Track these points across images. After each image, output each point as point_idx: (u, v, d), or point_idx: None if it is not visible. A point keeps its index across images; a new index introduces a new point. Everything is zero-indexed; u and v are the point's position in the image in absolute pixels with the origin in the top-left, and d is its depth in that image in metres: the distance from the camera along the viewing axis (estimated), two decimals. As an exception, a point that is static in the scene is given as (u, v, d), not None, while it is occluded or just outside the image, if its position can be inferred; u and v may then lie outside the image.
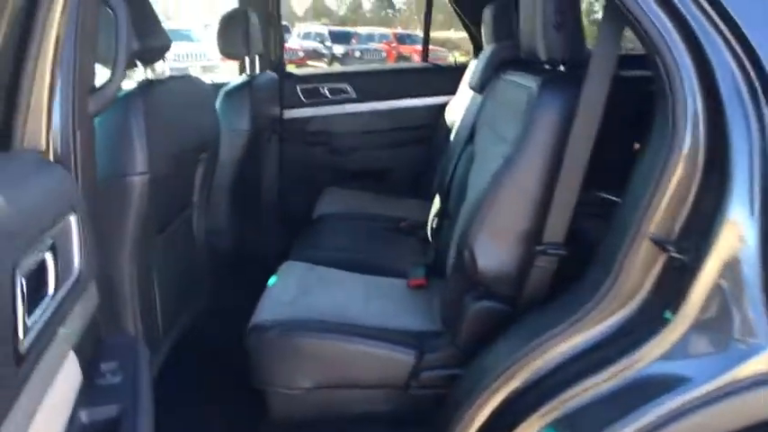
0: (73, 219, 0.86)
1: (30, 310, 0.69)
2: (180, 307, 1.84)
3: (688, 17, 1.05)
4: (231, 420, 1.80)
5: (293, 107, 3.08)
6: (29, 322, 0.68)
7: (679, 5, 1.05)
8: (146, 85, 1.56)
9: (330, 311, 1.66)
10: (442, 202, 2.04)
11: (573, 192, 1.34)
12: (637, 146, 2.82)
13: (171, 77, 1.77)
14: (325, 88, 3.12)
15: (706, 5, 1.04)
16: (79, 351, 0.87)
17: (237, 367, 1.65)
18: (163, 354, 1.70)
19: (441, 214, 2.05)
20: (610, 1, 1.16)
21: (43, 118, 0.94)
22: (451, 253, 1.79)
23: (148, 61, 1.60)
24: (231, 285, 2.28)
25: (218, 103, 2.39)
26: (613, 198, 1.93)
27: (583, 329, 1.21)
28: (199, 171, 1.91)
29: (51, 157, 1.01)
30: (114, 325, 1.46)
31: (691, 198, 1.11)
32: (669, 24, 1.07)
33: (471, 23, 3.10)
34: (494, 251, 1.44)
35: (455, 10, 3.17)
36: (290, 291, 1.76)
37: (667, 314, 1.12)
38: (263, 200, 2.98)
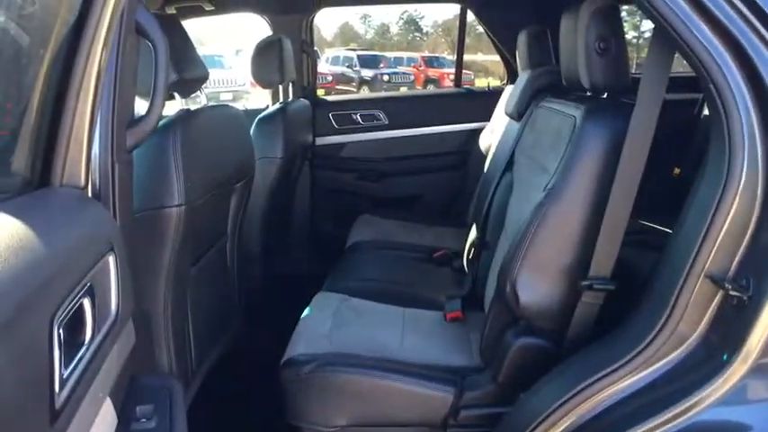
0: (111, 259, 0.84)
1: (66, 361, 0.66)
2: (213, 338, 1.81)
3: (738, 36, 1.00)
4: None
5: (325, 134, 3.08)
6: (65, 374, 0.66)
7: (728, 24, 1.00)
8: (183, 116, 1.56)
9: (366, 346, 1.62)
10: (479, 231, 2.00)
11: (621, 224, 1.28)
12: (677, 170, 2.75)
13: (207, 107, 1.77)
14: (358, 115, 3.12)
15: (755, 22, 0.99)
16: (114, 393, 0.85)
17: (270, 401, 1.61)
18: (195, 387, 1.67)
19: (478, 244, 2.00)
20: (657, 25, 1.12)
21: (83, 153, 0.93)
22: (490, 285, 1.74)
23: (186, 93, 1.60)
24: (264, 314, 2.26)
25: (252, 130, 2.39)
26: (656, 226, 1.87)
27: (635, 371, 1.14)
28: (233, 200, 1.90)
29: (90, 193, 1.01)
30: (148, 360, 1.44)
31: (749, 231, 1.05)
32: (719, 45, 1.02)
33: (505, 49, 3.07)
34: (537, 285, 1.39)
35: (489, 36, 3.15)
36: (325, 324, 1.72)
37: (725, 356, 1.06)
38: (296, 227, 2.97)
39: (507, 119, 2.28)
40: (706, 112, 2.68)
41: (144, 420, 0.87)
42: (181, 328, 1.57)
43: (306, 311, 1.82)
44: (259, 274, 2.40)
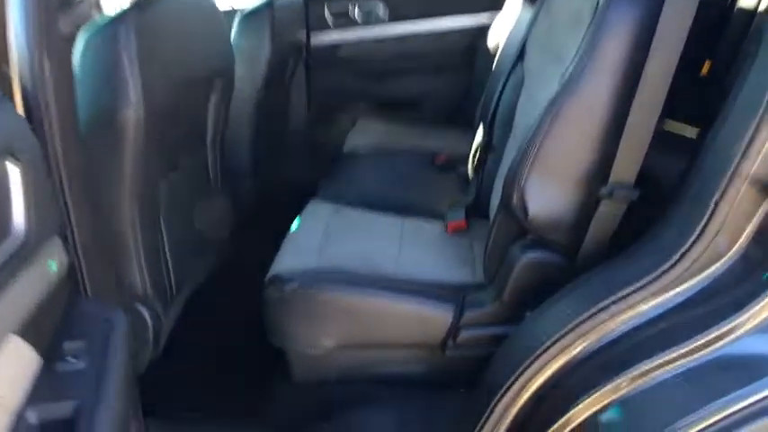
0: (12, 166, 0.67)
1: None
2: (195, 258, 1.67)
3: None
4: (249, 380, 1.66)
5: (320, 30, 2.81)
6: None
7: None
8: (138, 6, 1.34)
9: (359, 261, 1.47)
10: (486, 133, 1.80)
11: (649, 123, 1.09)
12: (705, 67, 2.49)
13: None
14: (356, 8, 2.83)
15: None
16: (31, 329, 0.70)
17: (257, 323, 1.49)
18: (176, 309, 1.54)
19: (484, 148, 1.81)
20: None
21: None
22: (496, 193, 1.57)
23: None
24: (254, 232, 2.11)
25: (235, 29, 2.15)
26: (686, 125, 1.67)
27: (662, 290, 0.99)
28: (211, 103, 1.71)
29: (16, 90, 0.83)
30: (119, 283, 1.30)
31: None
32: None
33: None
34: (549, 193, 1.21)
35: None
36: (315, 236, 1.57)
37: (767, 275, 0.90)
38: (290, 135, 2.76)
39: (520, 7, 2.02)
40: (740, 3, 2.39)
41: (72, 360, 0.73)
42: (154, 246, 1.42)
43: (294, 223, 1.67)
44: (250, 187, 2.23)
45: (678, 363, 0.94)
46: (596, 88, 1.13)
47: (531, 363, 1.09)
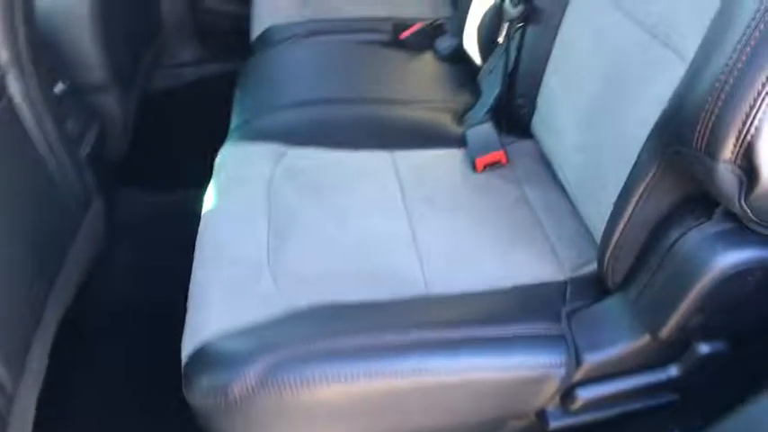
0: None
1: None
2: (39, 276, 0.90)
3: None
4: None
5: None
6: None
7: None
8: None
9: (360, 280, 0.77)
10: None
11: None
12: None
13: None
14: None
15: None
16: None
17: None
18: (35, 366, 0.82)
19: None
20: None
21: None
22: (561, 99, 0.87)
23: None
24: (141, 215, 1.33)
25: None
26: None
27: None
28: None
29: None
30: None
31: None
32: None
33: None
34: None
35: None
36: (252, 233, 0.84)
37: None
38: (166, 17, 1.79)
39: None
40: None
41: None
42: None
43: (206, 208, 0.92)
44: (113, 108, 1.36)
45: None
46: None
47: None
